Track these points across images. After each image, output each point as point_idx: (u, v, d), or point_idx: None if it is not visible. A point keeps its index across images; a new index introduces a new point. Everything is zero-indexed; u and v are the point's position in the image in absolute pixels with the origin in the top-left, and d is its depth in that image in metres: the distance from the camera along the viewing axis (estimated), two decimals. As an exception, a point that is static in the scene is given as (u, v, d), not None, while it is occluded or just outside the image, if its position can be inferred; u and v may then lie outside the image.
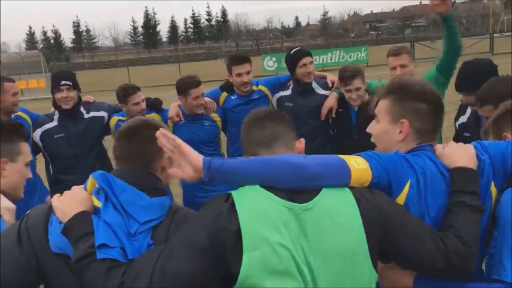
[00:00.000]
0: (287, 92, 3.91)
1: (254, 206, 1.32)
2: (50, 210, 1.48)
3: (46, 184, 3.90)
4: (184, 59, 46.60)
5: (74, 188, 1.50)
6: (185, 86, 3.72)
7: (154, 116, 3.91)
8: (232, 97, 3.98)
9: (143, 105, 3.78)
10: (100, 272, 1.29)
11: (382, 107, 1.69)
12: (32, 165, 3.62)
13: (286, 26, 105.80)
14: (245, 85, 3.85)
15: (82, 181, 1.59)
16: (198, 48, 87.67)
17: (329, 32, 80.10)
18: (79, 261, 1.32)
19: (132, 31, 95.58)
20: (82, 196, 1.46)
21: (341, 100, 3.70)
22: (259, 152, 1.49)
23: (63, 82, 3.63)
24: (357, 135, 3.58)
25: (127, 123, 1.67)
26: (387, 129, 1.67)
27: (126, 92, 3.75)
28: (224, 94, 4.01)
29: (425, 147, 1.60)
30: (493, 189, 1.54)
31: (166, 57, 62.37)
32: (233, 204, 1.32)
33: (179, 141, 1.40)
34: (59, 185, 3.61)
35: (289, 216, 1.31)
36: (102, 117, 3.89)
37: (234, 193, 1.36)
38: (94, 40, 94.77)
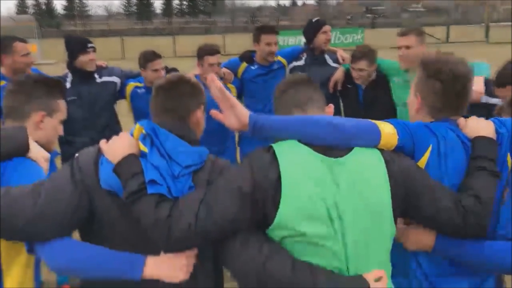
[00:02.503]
0: (300, 63, 4.13)
1: (293, 157, 1.44)
2: (98, 152, 1.60)
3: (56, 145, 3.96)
4: (178, 32, 46.07)
5: (122, 134, 1.62)
6: (202, 53, 3.80)
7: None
8: (252, 67, 4.09)
9: (162, 72, 3.84)
10: (150, 205, 1.42)
11: (413, 80, 1.82)
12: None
13: (282, 5, 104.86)
14: (272, 54, 4.03)
15: (93, 143, 1.70)
16: (192, 22, 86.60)
17: (325, 13, 79.60)
18: (131, 195, 1.44)
19: (126, 1, 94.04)
20: (129, 141, 1.57)
21: (351, 76, 3.82)
22: (294, 113, 1.61)
23: (90, 45, 3.70)
24: (363, 112, 3.71)
25: (165, 78, 1.77)
26: (411, 100, 1.82)
27: (146, 58, 3.82)
28: (244, 65, 4.11)
29: (446, 120, 1.72)
30: (509, 160, 1.67)
31: (159, 29, 61.57)
32: (274, 154, 1.45)
33: (227, 92, 1.51)
34: (70, 146, 3.67)
35: (324, 169, 1.44)
36: (114, 83, 3.94)
37: (275, 146, 1.49)
38: (86, 8, 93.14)
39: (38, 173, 1.66)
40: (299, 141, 1.49)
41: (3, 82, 3.51)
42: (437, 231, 1.61)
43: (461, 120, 1.72)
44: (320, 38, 4.03)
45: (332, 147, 1.48)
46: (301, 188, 1.40)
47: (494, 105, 2.38)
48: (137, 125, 1.61)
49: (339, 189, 1.43)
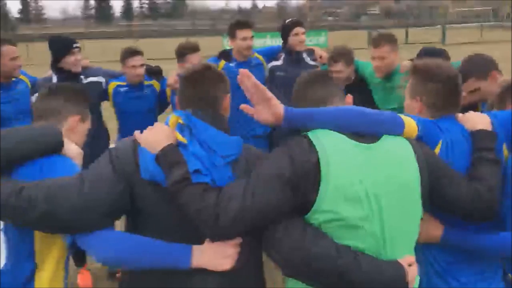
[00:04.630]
0: (279, 62, 4.22)
1: (329, 143, 1.49)
2: (135, 142, 1.62)
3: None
4: (138, 35, 45.36)
5: (157, 124, 1.64)
6: (182, 51, 3.85)
7: (154, 83, 4.03)
8: (231, 64, 4.13)
9: (140, 70, 3.84)
10: (196, 194, 1.44)
11: (407, 86, 1.99)
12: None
13: (243, 8, 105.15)
14: (249, 49, 4.09)
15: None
16: (153, 24, 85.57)
17: (286, 16, 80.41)
18: (176, 184, 1.46)
19: (84, 4, 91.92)
20: (167, 131, 1.59)
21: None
22: (320, 107, 1.64)
23: (75, 45, 3.63)
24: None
25: (190, 68, 1.78)
26: (408, 103, 1.97)
27: (125, 54, 3.82)
28: (223, 62, 4.15)
29: (449, 117, 1.88)
30: (505, 150, 1.85)
31: (118, 32, 60.45)
32: (310, 141, 1.50)
33: (261, 85, 1.52)
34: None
35: (358, 154, 1.50)
36: (100, 82, 3.90)
37: (309, 134, 1.53)
38: (43, 11, 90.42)
39: (76, 169, 1.69)
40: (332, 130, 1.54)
41: (-9, 86, 3.47)
42: (453, 214, 1.74)
43: (460, 115, 1.89)
44: (292, 40, 4.10)
45: (363, 134, 1.54)
46: (340, 171, 1.45)
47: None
48: (173, 115, 1.62)
49: (373, 173, 1.49)
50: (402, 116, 1.66)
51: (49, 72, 3.83)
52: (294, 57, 4.12)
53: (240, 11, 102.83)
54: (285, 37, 4.13)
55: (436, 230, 1.79)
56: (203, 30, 50.56)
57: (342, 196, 1.44)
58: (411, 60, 3.84)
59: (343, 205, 1.44)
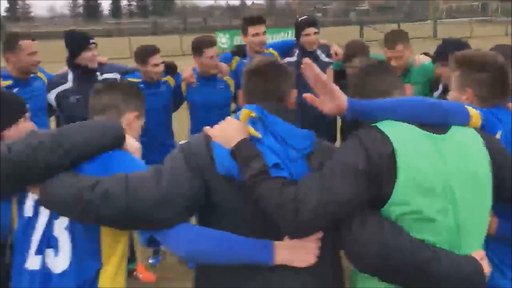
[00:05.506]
0: (293, 59, 4.16)
1: (402, 133, 1.48)
2: (207, 137, 1.61)
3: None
4: (127, 33, 44.94)
5: (229, 118, 1.63)
6: (199, 46, 3.83)
7: (169, 80, 4.03)
8: (245, 61, 4.11)
9: (161, 68, 3.83)
10: (274, 188, 1.42)
11: (452, 79, 1.99)
12: (46, 126, 3.63)
13: (232, 5, 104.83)
14: (261, 45, 4.04)
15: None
16: (143, 23, 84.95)
17: (276, 12, 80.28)
18: (253, 178, 1.44)
19: (72, 2, 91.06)
20: (240, 125, 1.58)
21: (344, 72, 3.87)
22: (383, 97, 1.61)
23: (91, 40, 3.59)
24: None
25: (255, 61, 1.77)
26: (457, 97, 1.95)
27: (146, 52, 3.77)
28: (236, 59, 4.15)
29: (500, 107, 1.88)
30: None
31: (107, 30, 59.78)
32: (382, 132, 1.48)
33: (324, 76, 1.52)
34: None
35: (431, 145, 1.48)
36: (115, 79, 3.85)
37: (379, 125, 1.51)
38: (30, 10, 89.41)
39: (142, 164, 1.68)
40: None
41: (8, 82, 3.44)
42: (506, 203, 1.70)
43: (510, 104, 1.90)
44: (303, 39, 4.05)
45: (432, 125, 1.52)
46: (415, 162, 1.42)
47: None
48: (245, 110, 1.61)
49: (447, 164, 1.46)
50: (466, 105, 1.65)
51: (64, 68, 3.79)
52: (308, 53, 4.07)
53: (229, 7, 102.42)
54: (297, 35, 4.11)
55: (492, 223, 1.74)
56: (194, 27, 50.39)
57: (418, 188, 1.42)
58: (425, 54, 3.89)
59: (419, 198, 1.42)
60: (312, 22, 4.09)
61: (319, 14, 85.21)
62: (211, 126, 3.98)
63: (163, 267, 4.10)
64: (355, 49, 3.71)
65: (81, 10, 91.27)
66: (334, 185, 1.41)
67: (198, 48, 3.84)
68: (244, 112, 1.61)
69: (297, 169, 1.52)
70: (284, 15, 78.61)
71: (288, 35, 25.54)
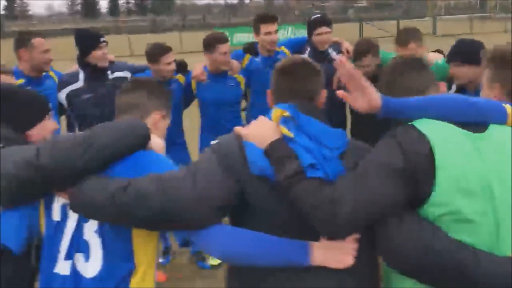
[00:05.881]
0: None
1: (439, 132, 1.44)
2: (238, 137, 1.59)
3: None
4: (126, 31, 44.74)
5: (261, 118, 1.62)
6: (212, 42, 3.79)
7: (179, 78, 4.01)
8: (256, 59, 4.09)
9: (173, 66, 3.79)
10: (310, 188, 1.40)
11: (485, 75, 1.96)
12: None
13: (230, 3, 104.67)
14: (273, 44, 4.00)
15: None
16: (141, 20, 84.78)
17: (274, 10, 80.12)
18: (288, 179, 1.42)
19: (70, 0, 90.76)
20: (272, 125, 1.56)
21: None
22: (418, 95, 1.58)
23: (102, 39, 3.56)
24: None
25: (286, 60, 1.75)
26: (487, 93, 1.93)
27: (159, 51, 3.72)
28: (248, 56, 4.12)
29: None
30: None
31: (106, 28, 59.50)
32: (419, 130, 1.45)
33: (356, 73, 1.50)
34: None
35: (469, 144, 1.44)
36: (126, 78, 3.82)
37: (415, 123, 1.48)
38: (28, 8, 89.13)
39: (171, 164, 1.67)
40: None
41: (21, 81, 3.43)
42: None
43: None
44: (315, 39, 4.00)
45: (469, 123, 1.48)
46: (455, 161, 1.39)
47: None
48: (277, 109, 1.59)
49: (485, 164, 1.42)
50: (503, 104, 1.62)
51: (74, 67, 3.79)
52: (319, 52, 4.05)
53: (228, 5, 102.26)
54: (309, 33, 4.07)
55: None
56: (193, 25, 50.22)
57: (457, 188, 1.39)
58: (437, 51, 3.88)
59: (458, 198, 1.39)
60: (324, 21, 4.04)
61: (317, 11, 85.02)
62: (222, 123, 3.92)
63: (173, 267, 4.09)
64: (365, 47, 3.70)
65: (79, 8, 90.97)
66: (371, 185, 1.38)
67: (211, 44, 3.80)
68: (276, 111, 1.58)
69: (332, 169, 1.49)
70: (282, 12, 78.49)
71: (288, 33, 25.55)
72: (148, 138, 1.69)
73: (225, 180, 1.51)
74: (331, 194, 1.38)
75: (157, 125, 1.86)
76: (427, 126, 1.46)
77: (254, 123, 1.60)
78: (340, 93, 1.56)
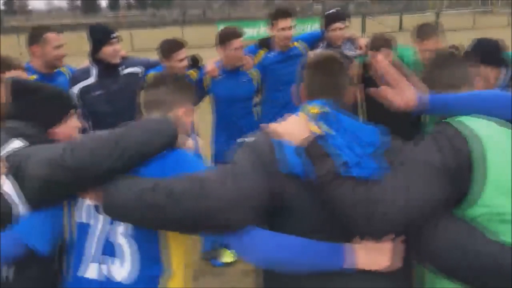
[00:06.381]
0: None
1: (479, 130, 1.41)
2: (267, 136, 1.56)
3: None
4: (126, 26, 44.57)
5: (293, 116, 1.58)
6: (225, 37, 3.75)
7: (191, 74, 3.97)
8: (270, 55, 4.06)
9: (186, 62, 3.74)
10: (347, 187, 1.36)
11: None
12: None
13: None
14: (287, 39, 3.97)
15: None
16: (141, 15, 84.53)
17: (274, 4, 79.93)
18: (324, 177, 1.39)
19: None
20: (304, 122, 1.52)
21: (368, 66, 3.83)
22: (448, 92, 1.56)
23: (113, 35, 3.51)
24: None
25: (315, 56, 1.73)
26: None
27: (171, 48, 3.67)
28: (262, 52, 4.08)
29: None
30: None
31: (106, 23, 59.02)
32: (458, 129, 1.41)
33: (392, 69, 1.48)
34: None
35: (508, 141, 1.41)
36: (138, 73, 3.81)
37: (453, 122, 1.45)
38: (27, 3, 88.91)
39: (202, 162, 1.64)
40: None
41: (33, 77, 3.38)
42: None
43: None
44: (330, 35, 3.99)
45: (509, 120, 1.45)
46: (495, 161, 1.35)
47: None
48: (308, 106, 1.55)
49: None
50: None
51: (85, 63, 3.75)
52: (334, 47, 3.98)
53: (228, 0, 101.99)
54: (325, 28, 4.04)
55: None
56: (194, 19, 50.06)
57: (499, 188, 1.35)
58: (453, 46, 3.84)
59: (499, 198, 1.36)
60: (338, 17, 4.02)
61: (318, 6, 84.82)
62: (233, 120, 3.87)
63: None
64: (379, 43, 3.68)
65: (78, 3, 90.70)
66: (410, 184, 1.34)
67: (223, 39, 3.76)
68: (307, 108, 1.55)
69: (367, 167, 1.44)
70: (283, 6, 78.01)
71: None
72: (176, 137, 1.65)
73: (260, 180, 1.48)
74: (366, 194, 1.34)
75: (179, 122, 1.81)
76: (465, 124, 1.43)
77: (285, 120, 1.56)
78: (373, 90, 1.53)
